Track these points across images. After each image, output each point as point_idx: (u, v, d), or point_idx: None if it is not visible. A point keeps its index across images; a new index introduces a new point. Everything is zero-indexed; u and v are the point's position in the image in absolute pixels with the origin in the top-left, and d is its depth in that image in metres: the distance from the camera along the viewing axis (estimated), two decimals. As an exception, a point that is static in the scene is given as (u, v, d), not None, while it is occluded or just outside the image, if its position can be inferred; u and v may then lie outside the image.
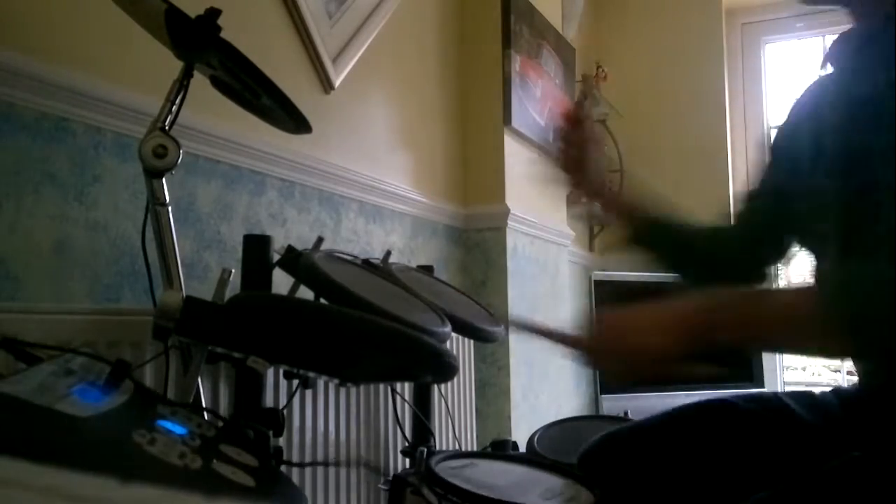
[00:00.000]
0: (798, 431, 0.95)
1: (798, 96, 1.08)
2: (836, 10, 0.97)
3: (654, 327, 0.77)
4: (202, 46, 0.96)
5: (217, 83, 1.10)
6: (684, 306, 0.77)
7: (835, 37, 0.98)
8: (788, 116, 1.10)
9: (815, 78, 1.06)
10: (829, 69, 0.99)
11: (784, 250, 1.13)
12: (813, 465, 0.82)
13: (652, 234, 1.18)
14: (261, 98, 1.05)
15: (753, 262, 1.15)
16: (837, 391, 1.03)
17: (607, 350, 0.80)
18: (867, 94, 0.84)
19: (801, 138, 1.00)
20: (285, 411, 1.33)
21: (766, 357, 3.59)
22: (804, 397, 1.03)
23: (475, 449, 2.10)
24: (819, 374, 4.70)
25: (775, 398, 1.03)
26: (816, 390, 1.04)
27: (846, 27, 0.97)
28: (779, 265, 1.14)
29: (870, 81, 0.84)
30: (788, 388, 4.12)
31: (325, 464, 1.49)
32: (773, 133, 1.15)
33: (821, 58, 0.99)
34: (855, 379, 0.99)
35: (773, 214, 1.09)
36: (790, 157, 1.03)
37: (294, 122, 1.10)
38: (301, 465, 1.43)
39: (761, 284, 1.16)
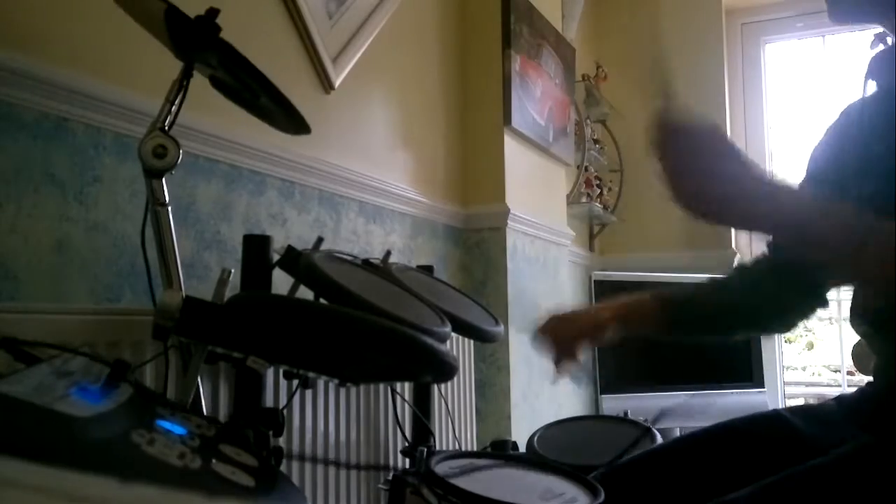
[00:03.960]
0: (801, 448, 0.95)
1: (836, 120, 1.04)
2: (870, 27, 0.95)
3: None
4: (202, 46, 0.96)
5: (216, 83, 1.10)
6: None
7: (873, 52, 0.95)
8: (827, 141, 1.05)
9: (851, 102, 1.02)
10: (872, 86, 0.96)
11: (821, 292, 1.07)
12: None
13: (683, 314, 1.14)
14: (260, 98, 1.05)
15: (791, 302, 1.09)
16: (840, 399, 1.03)
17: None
18: None
19: (848, 166, 0.96)
20: (285, 411, 1.33)
21: (766, 357, 3.58)
22: (805, 411, 1.03)
23: (475, 449, 2.09)
24: (819, 374, 4.69)
25: (776, 417, 1.03)
26: (820, 397, 1.03)
27: (868, 37, 0.96)
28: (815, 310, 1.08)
29: None
30: (788, 388, 4.12)
31: (325, 461, 1.49)
32: (809, 160, 1.09)
33: (862, 76, 0.96)
34: (856, 379, 0.99)
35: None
36: (838, 186, 0.98)
37: (292, 123, 1.10)
38: (301, 459, 1.43)
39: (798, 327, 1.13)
